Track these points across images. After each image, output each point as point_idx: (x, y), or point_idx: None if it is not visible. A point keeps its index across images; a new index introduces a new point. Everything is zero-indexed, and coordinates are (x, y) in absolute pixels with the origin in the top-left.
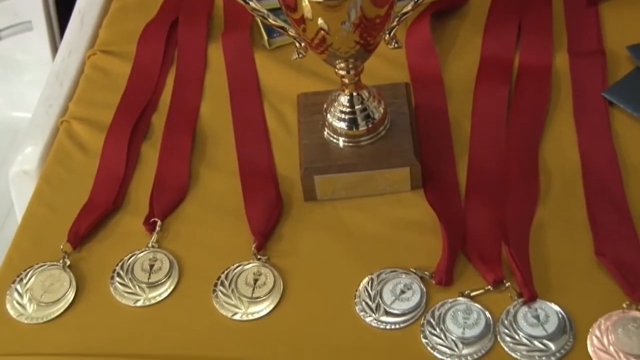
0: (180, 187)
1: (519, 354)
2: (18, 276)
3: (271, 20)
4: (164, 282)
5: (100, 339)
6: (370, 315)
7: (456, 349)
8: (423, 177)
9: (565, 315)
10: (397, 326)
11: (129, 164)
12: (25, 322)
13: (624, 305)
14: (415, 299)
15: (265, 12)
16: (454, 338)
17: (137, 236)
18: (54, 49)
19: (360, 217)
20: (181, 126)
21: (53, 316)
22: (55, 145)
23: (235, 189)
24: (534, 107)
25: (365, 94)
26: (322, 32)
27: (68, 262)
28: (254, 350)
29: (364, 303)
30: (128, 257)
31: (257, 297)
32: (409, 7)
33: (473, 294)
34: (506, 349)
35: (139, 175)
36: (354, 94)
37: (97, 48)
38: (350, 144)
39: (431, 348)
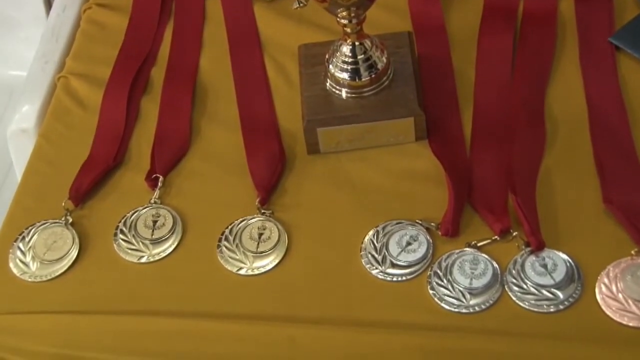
0: (181, 142)
1: (527, 303)
2: (20, 234)
3: None
4: (167, 238)
5: (104, 296)
6: (376, 268)
7: (464, 300)
8: (427, 127)
9: (573, 264)
10: (404, 278)
11: (129, 119)
12: (29, 280)
13: (633, 252)
14: (422, 250)
15: None
16: (461, 289)
17: (139, 192)
18: (48, 4)
19: (364, 169)
20: (181, 80)
21: (57, 274)
22: (53, 102)
23: (237, 143)
24: (539, 54)
25: (367, 43)
26: None
27: (70, 220)
28: (259, 304)
29: (369, 255)
30: (130, 213)
31: (262, 252)
32: None
33: (480, 244)
34: (514, 298)
35: (140, 131)
36: (356, 43)
37: (92, 2)
38: (353, 95)
39: (438, 299)
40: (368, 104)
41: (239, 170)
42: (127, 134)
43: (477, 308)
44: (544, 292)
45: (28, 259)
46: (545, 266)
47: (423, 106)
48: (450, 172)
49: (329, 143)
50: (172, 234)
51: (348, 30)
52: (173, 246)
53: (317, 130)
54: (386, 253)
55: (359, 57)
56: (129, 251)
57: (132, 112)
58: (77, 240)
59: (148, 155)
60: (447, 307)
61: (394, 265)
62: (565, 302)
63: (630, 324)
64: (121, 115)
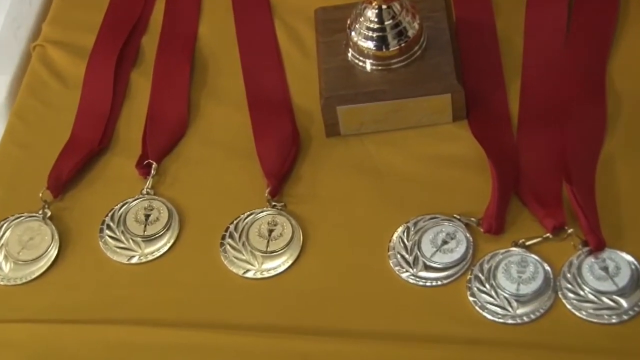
0: (178, 122)
1: (584, 312)
2: None
3: None
4: (162, 234)
5: (89, 302)
6: (406, 271)
7: (510, 308)
8: (467, 105)
9: (638, 267)
10: (439, 282)
11: (116, 96)
12: (1, 283)
13: None
14: (460, 250)
15: None
16: (506, 295)
17: (129, 181)
18: None
19: (392, 155)
20: (177, 50)
21: (33, 276)
22: (27, 74)
23: (243, 123)
24: (599, 18)
25: (396, 6)
26: None
27: (49, 213)
28: (269, 313)
29: (399, 256)
30: (119, 206)
31: (273, 251)
32: None
33: (529, 243)
34: (569, 307)
35: (129, 109)
36: (384, 7)
37: None
38: (380, 68)
39: (480, 307)
40: (397, 78)
41: (246, 156)
42: (114, 113)
43: (525, 318)
44: (605, 299)
45: (0, 258)
46: (606, 269)
47: (462, 80)
48: (493, 158)
49: (350, 124)
50: (168, 230)
51: None
52: (168, 244)
53: (337, 108)
54: (418, 253)
55: (386, 22)
56: (118, 250)
57: (120, 88)
58: (56, 236)
59: (139, 137)
60: (490, 316)
61: (427, 268)
62: (630, 312)
63: None
64: (107, 90)
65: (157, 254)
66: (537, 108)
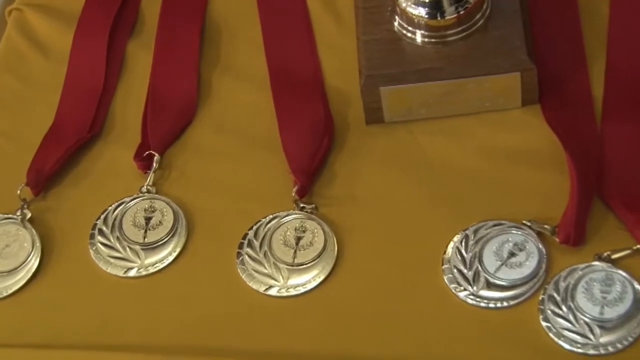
0: (185, 104)
1: None
2: None
3: None
4: (166, 242)
5: (75, 324)
6: (464, 289)
7: (591, 336)
8: (540, 87)
9: None
10: (505, 304)
11: (110, 72)
12: None
13: None
14: (531, 264)
15: None
16: (587, 320)
17: (125, 176)
18: None
19: (447, 147)
20: (184, 15)
21: (10, 292)
22: (2, 44)
23: (265, 107)
24: None
25: None
26: None
27: (28, 214)
28: (296, 339)
29: (455, 271)
30: (114, 206)
31: (301, 264)
32: None
33: (615, 256)
34: None
35: (126, 88)
36: None
37: None
38: (433, 40)
39: (555, 335)
40: (454, 53)
41: (268, 147)
42: (107, 93)
43: (610, 348)
44: None
45: None
46: None
47: (533, 56)
48: (572, 152)
49: (396, 109)
50: (173, 236)
51: None
52: (174, 254)
53: (381, 89)
54: (479, 268)
55: None
56: (112, 261)
57: (114, 62)
58: (38, 243)
59: (137, 123)
60: (567, 346)
61: (490, 286)
62: None
63: None
64: (99, 65)
65: (160, 266)
66: (627, 91)
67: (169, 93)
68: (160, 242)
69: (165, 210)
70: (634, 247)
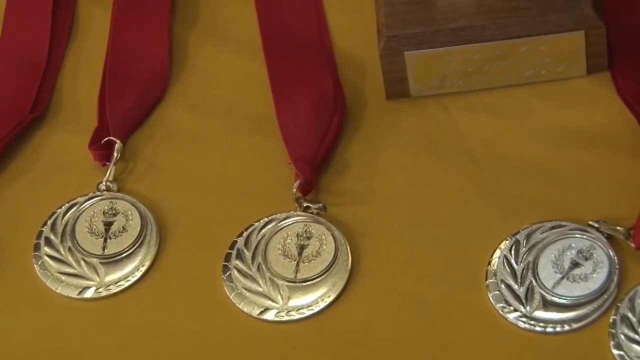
0: (154, 76)
1: None
2: None
3: None
4: (131, 254)
5: (18, 356)
6: (515, 309)
7: None
8: (610, 49)
9: None
10: (567, 327)
11: (56, 37)
12: None
13: None
14: (600, 277)
15: None
16: None
17: (78, 170)
18: None
19: (492, 128)
20: None
21: None
22: None
23: (257, 78)
24: None
25: None
26: None
27: None
28: None
29: (503, 286)
30: (64, 209)
31: (306, 280)
32: None
33: None
34: None
35: (77, 57)
36: None
37: None
38: None
39: None
40: (500, 7)
41: (262, 130)
42: (53, 64)
43: None
44: None
45: None
46: None
47: (602, 12)
48: None
49: (427, 79)
50: (140, 246)
51: None
52: (142, 269)
53: (406, 55)
54: (534, 282)
55: None
56: (63, 278)
57: (61, 24)
58: None
59: (93, 102)
60: None
61: (547, 305)
62: None
63: None
64: (42, 29)
65: (125, 284)
66: None
67: (132, 63)
68: (125, 254)
69: (129, 212)
70: None
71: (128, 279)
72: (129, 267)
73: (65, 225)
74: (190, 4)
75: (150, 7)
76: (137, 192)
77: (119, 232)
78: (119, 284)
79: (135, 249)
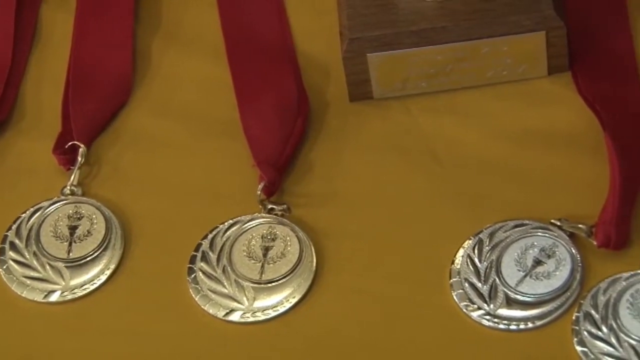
0: (117, 80)
1: None
2: None
3: None
4: (96, 257)
5: None
6: (479, 308)
7: None
8: (571, 50)
9: None
10: (530, 325)
11: (20, 41)
12: None
13: None
14: (563, 274)
15: None
16: (634, 343)
17: (43, 175)
18: None
19: (454, 129)
20: None
21: None
22: None
23: (220, 81)
24: None
25: None
26: None
27: None
28: None
29: (467, 285)
30: (29, 213)
31: (271, 281)
32: None
33: None
34: None
35: (40, 62)
36: None
37: None
38: None
39: None
40: (462, 9)
41: (225, 133)
42: (17, 68)
43: None
44: None
45: None
46: None
47: (563, 12)
48: (613, 131)
49: (389, 81)
50: (105, 250)
51: None
52: (107, 272)
53: (368, 57)
54: (497, 280)
55: None
56: (29, 282)
57: (25, 28)
58: None
59: (57, 106)
60: None
61: (511, 303)
62: None
63: None
64: (5, 33)
65: (90, 288)
66: None
67: (96, 67)
68: (90, 258)
69: (94, 216)
70: None
71: (93, 282)
72: (94, 270)
73: (30, 230)
74: (154, 8)
75: (114, 11)
76: (101, 196)
77: (84, 235)
78: (85, 287)
79: (100, 252)
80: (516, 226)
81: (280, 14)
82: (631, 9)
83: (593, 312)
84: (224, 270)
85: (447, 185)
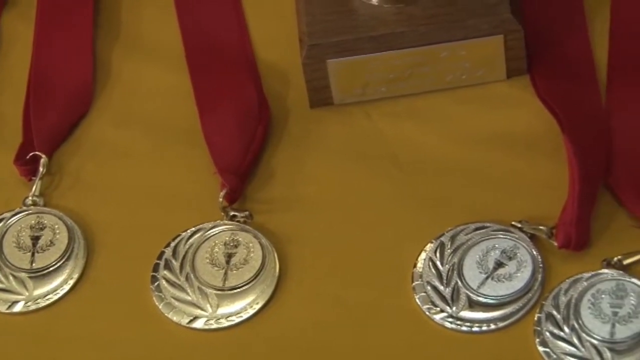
0: (78, 90)
1: None
2: None
3: None
4: (59, 267)
5: None
6: (441, 310)
7: None
8: (529, 53)
9: None
10: (492, 326)
11: None
12: None
13: None
14: (524, 275)
15: None
16: (595, 342)
17: (4, 185)
18: None
19: (415, 133)
20: None
21: None
22: None
23: (180, 90)
24: None
25: None
26: None
27: None
28: None
29: (429, 288)
30: None
31: (234, 287)
32: None
33: (628, 261)
34: None
35: (0, 71)
36: None
37: None
38: None
39: None
40: (420, 14)
41: (187, 142)
42: None
43: None
44: None
45: None
46: None
47: (521, 15)
48: (571, 133)
49: (349, 87)
50: (68, 259)
51: None
52: (70, 282)
53: (328, 63)
54: (459, 283)
55: None
56: None
57: None
58: None
59: (17, 117)
60: None
61: (473, 305)
62: None
63: None
64: None
65: (54, 298)
66: (638, 55)
67: (56, 77)
68: (53, 268)
69: (57, 226)
70: None
71: (57, 292)
72: (58, 280)
73: None
74: (114, 17)
75: (74, 21)
76: (63, 206)
77: (47, 246)
78: (48, 297)
79: (63, 262)
80: (477, 229)
81: (240, 22)
82: (588, 11)
83: (555, 312)
84: (187, 278)
85: (408, 189)
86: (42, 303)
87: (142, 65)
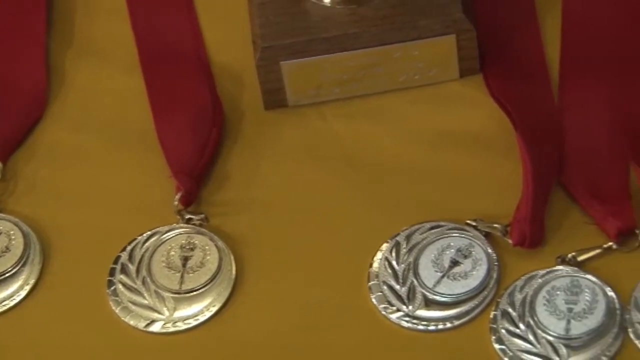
0: (31, 95)
1: None
2: None
3: None
4: (15, 273)
5: None
6: (398, 309)
7: (557, 358)
8: (481, 52)
9: None
10: (448, 325)
11: None
12: None
13: None
14: (479, 273)
15: None
16: (551, 339)
17: None
18: None
19: (369, 133)
20: None
21: None
22: None
23: (135, 93)
24: None
25: None
26: None
27: None
28: None
29: (385, 288)
30: None
31: (191, 290)
32: None
33: (582, 257)
34: None
35: None
36: None
37: None
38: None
39: (511, 359)
40: (372, 15)
41: (141, 145)
42: None
43: None
44: None
45: None
46: None
47: (472, 14)
48: (524, 131)
49: (303, 88)
50: (24, 265)
51: None
52: (26, 288)
53: (281, 65)
54: (415, 282)
55: None
56: None
57: None
58: None
59: None
60: None
61: (429, 304)
62: None
63: None
64: None
65: (10, 304)
66: (589, 54)
67: (9, 82)
68: (8, 274)
69: (12, 232)
70: (604, 245)
71: (13, 298)
72: (14, 286)
73: None
74: (67, 22)
75: (26, 26)
76: (19, 212)
77: (2, 252)
78: (4, 303)
79: (19, 268)
80: (432, 228)
81: (193, 25)
82: (540, 10)
83: (510, 309)
84: (143, 282)
85: (363, 190)
86: None
87: (96, 69)
